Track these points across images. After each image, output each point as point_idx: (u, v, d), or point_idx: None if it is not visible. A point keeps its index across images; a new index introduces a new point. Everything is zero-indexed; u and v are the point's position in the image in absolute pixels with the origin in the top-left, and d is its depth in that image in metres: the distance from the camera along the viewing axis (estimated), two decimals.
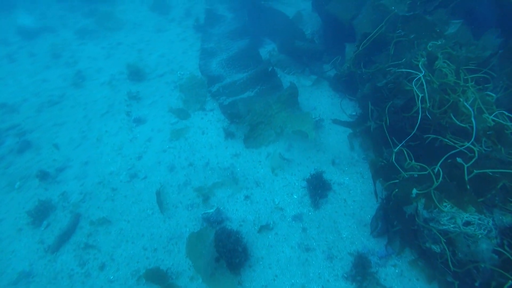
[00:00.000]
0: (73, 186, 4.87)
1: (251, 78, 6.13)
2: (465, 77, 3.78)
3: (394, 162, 3.69)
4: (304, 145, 4.93)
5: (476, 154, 3.22)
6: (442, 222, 3.16)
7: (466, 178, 3.12)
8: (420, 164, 3.47)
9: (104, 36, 8.81)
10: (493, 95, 3.64)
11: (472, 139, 3.34)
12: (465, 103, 3.47)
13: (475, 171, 3.09)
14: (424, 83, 3.60)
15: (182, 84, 6.54)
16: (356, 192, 4.27)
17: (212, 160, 4.99)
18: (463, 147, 3.37)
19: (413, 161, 3.73)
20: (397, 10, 4.37)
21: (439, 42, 4.20)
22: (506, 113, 3.52)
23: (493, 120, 3.48)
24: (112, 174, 5.04)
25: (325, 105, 5.60)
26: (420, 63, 3.82)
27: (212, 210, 4.23)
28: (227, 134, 5.30)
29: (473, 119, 3.37)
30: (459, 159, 3.23)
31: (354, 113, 5.32)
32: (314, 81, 6.14)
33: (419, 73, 3.70)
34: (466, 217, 3.05)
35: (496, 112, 3.55)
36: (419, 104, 3.59)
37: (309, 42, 6.64)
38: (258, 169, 4.77)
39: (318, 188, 4.24)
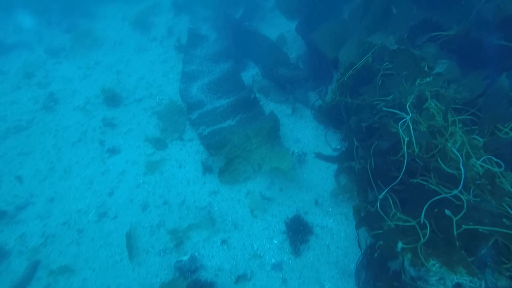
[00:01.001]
0: (34, 227, 4.47)
1: (232, 105, 5.88)
2: (453, 118, 3.62)
3: (379, 209, 3.46)
4: (287, 182, 4.67)
5: (465, 205, 3.02)
6: (430, 282, 2.93)
7: (455, 233, 2.91)
8: (406, 217, 3.25)
9: (81, 54, 8.44)
10: (480, 139, 3.48)
11: (460, 187, 3.15)
12: (453, 149, 3.29)
13: (463, 226, 2.89)
14: (411, 126, 3.41)
15: (160, 110, 6.23)
16: (340, 237, 4.02)
17: (189, 198, 4.67)
18: (450, 195, 3.18)
19: (398, 207, 3.52)
20: (383, 43, 4.22)
21: (427, 79, 4.05)
22: (494, 159, 3.35)
23: (481, 166, 3.31)
24: (80, 213, 4.65)
25: (309, 137, 5.38)
26: (408, 103, 3.64)
27: (186, 258, 3.90)
28: (206, 168, 5.00)
29: (461, 166, 3.19)
30: (447, 212, 3.03)
31: (339, 147, 5.11)
32: (298, 110, 5.93)
33: (405, 116, 3.51)
34: (457, 279, 2.83)
35: (484, 157, 3.38)
36: (405, 149, 3.39)
37: (292, 69, 6.45)
38: (237, 209, 4.47)
39: (298, 233, 3.98)
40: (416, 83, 4.06)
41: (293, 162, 4.52)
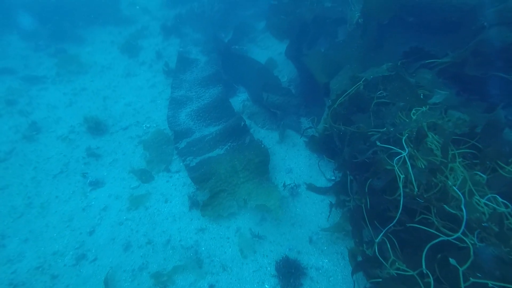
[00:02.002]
0: (2, 274, 4.10)
1: (221, 133, 5.65)
2: (452, 152, 3.41)
3: (377, 254, 3.19)
4: (280, 216, 4.39)
5: (471, 252, 2.77)
6: None
7: (463, 287, 2.65)
8: (406, 268, 2.98)
9: (68, 80, 8.22)
10: (483, 175, 3.26)
11: (462, 229, 2.90)
12: (455, 188, 3.06)
13: (471, 279, 2.63)
14: (408, 164, 3.19)
15: (147, 139, 5.98)
16: (337, 279, 3.73)
17: (175, 237, 4.37)
18: (452, 238, 2.93)
19: (398, 249, 3.26)
20: (376, 74, 4.05)
21: (423, 109, 3.87)
22: (499, 198, 3.13)
23: (486, 205, 3.09)
24: (56, 255, 4.31)
25: (302, 167, 5.15)
26: (404, 138, 3.43)
27: None
28: (193, 203, 4.72)
29: (463, 207, 2.96)
30: (452, 261, 2.77)
31: (333, 177, 4.87)
32: (290, 137, 5.72)
33: (401, 152, 3.30)
34: None
35: (489, 196, 3.16)
36: (401, 187, 3.16)
37: (284, 94, 6.27)
38: (225, 249, 4.17)
39: (291, 276, 3.68)
40: (412, 113, 3.87)
41: (280, 200, 4.26)
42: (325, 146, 4.95)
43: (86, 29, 10.89)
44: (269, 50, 8.38)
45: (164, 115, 6.60)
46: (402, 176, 3.18)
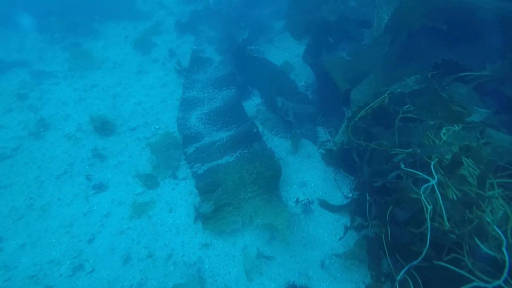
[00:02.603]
0: None
1: (232, 140, 5.35)
2: (490, 181, 3.01)
3: None
4: (289, 237, 4.07)
5: None
6: None
7: None
8: None
9: (79, 75, 8.07)
10: None
11: (504, 276, 2.51)
12: (494, 226, 2.67)
13: None
14: (438, 195, 2.80)
15: (154, 142, 5.73)
16: None
17: (177, 251, 4.10)
18: (492, 286, 2.55)
19: None
20: (403, 89, 3.66)
21: (456, 128, 3.47)
22: None
23: None
24: (53, 263, 4.11)
25: (317, 181, 4.80)
26: (433, 163, 3.05)
27: None
28: (198, 214, 4.44)
29: (504, 250, 2.57)
30: None
31: (350, 195, 4.50)
32: (305, 148, 5.37)
33: (430, 179, 2.92)
34: None
35: None
36: (428, 220, 2.79)
37: (299, 101, 5.92)
38: (230, 268, 3.88)
39: None
40: (442, 133, 3.47)
41: (288, 220, 3.93)
42: (342, 160, 4.58)
43: (102, 23, 10.77)
44: (286, 52, 8.02)
45: (174, 116, 6.36)
46: (430, 208, 2.80)
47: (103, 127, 5.99)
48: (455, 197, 2.84)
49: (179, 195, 4.83)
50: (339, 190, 4.63)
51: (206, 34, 9.23)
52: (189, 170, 5.15)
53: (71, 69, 8.33)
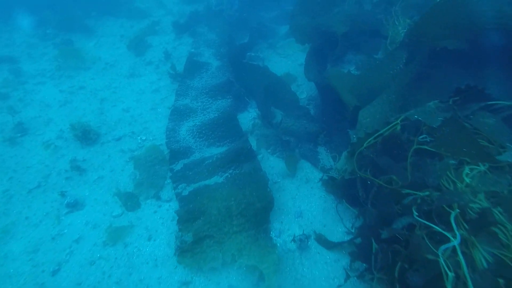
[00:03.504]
0: None
1: (223, 158, 4.84)
2: None
3: None
4: (280, 278, 3.55)
5: None
6: None
7: None
8: None
9: (68, 75, 7.57)
10: None
11: None
12: None
13: None
14: (462, 261, 2.28)
15: (139, 156, 5.22)
16: None
17: None
18: None
19: None
20: (425, 121, 3.14)
21: (481, 168, 2.94)
22: None
23: None
24: None
25: (316, 211, 4.28)
26: (454, 214, 2.52)
27: None
28: (179, 245, 3.91)
29: None
30: None
31: (352, 230, 3.98)
32: (304, 170, 4.85)
33: (452, 238, 2.39)
34: None
35: None
36: None
37: (299, 116, 5.39)
38: None
39: None
40: (464, 173, 2.94)
41: (276, 264, 3.42)
42: (345, 190, 4.06)
43: (99, 20, 10.26)
44: (289, 59, 7.50)
45: (163, 126, 5.85)
46: (451, 275, 2.28)
47: (85, 136, 5.48)
48: (484, 263, 2.31)
49: (161, 220, 4.32)
50: (340, 223, 4.11)
51: (205, 37, 8.70)
52: (174, 191, 4.63)
53: (59, 68, 7.83)
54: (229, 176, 4.62)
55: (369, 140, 3.52)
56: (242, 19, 8.90)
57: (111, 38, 9.24)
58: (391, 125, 3.39)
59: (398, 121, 3.35)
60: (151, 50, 8.37)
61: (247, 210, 3.84)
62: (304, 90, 6.38)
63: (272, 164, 5.01)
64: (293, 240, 3.82)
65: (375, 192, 3.29)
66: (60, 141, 5.72)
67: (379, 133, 3.43)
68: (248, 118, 5.95)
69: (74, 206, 4.58)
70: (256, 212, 3.85)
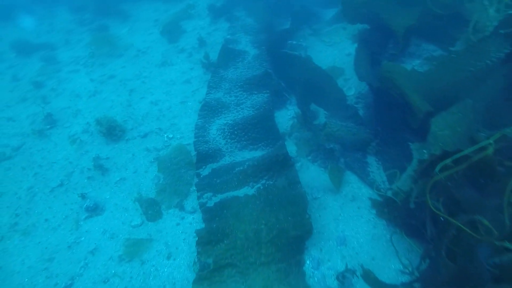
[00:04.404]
0: None
1: (255, 165, 4.21)
2: None
3: None
4: None
5: None
6: None
7: None
8: None
9: (100, 63, 7.31)
10: None
11: None
12: None
13: None
14: None
15: (164, 157, 4.77)
16: None
17: None
18: None
19: None
20: None
21: None
22: None
23: None
24: None
25: (363, 237, 3.55)
26: None
27: None
28: (203, 267, 3.40)
29: None
30: None
31: (409, 269, 3.21)
32: (349, 184, 4.10)
33: None
34: None
35: None
36: None
37: (346, 117, 4.59)
38: None
39: None
40: None
41: None
42: (405, 218, 3.27)
43: (134, 3, 9.93)
44: (335, 48, 6.60)
45: (192, 123, 5.34)
46: None
47: (110, 132, 5.12)
48: None
49: (183, 235, 3.84)
50: (394, 257, 3.34)
51: (242, 22, 7.98)
52: (200, 199, 4.11)
53: (93, 55, 7.59)
54: (261, 187, 4.00)
55: (446, 161, 2.68)
56: (283, 2, 8.03)
57: (145, 23, 8.86)
58: (479, 145, 2.53)
59: (491, 141, 2.48)
60: (184, 36, 7.84)
61: (279, 238, 3.21)
62: (352, 85, 5.50)
63: (312, 174, 4.30)
64: (337, 278, 3.13)
65: (453, 236, 2.48)
66: (86, 135, 5.43)
67: (462, 153, 2.58)
68: (286, 117, 5.25)
69: (94, 210, 4.24)
70: (289, 242, 3.20)
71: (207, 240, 3.37)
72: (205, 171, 4.49)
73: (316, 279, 3.25)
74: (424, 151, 2.98)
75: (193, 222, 3.97)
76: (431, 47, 4.24)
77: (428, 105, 3.20)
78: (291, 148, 4.69)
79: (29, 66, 7.78)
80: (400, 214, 3.28)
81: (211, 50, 7.10)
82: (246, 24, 7.87)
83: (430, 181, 2.61)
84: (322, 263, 3.38)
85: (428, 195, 2.66)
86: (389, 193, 3.54)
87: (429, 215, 2.85)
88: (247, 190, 4.03)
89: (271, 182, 4.04)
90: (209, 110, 5.48)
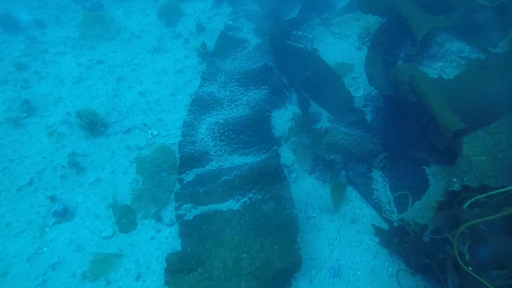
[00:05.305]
0: None
1: (242, 176, 3.70)
2: None
3: None
4: None
5: None
6: None
7: None
8: None
9: (89, 46, 6.75)
10: None
11: None
12: None
13: None
14: None
15: (145, 157, 4.28)
16: None
17: None
18: None
19: None
20: None
21: None
22: None
23: None
24: None
25: (361, 268, 3.06)
26: None
27: None
28: None
29: None
30: None
31: None
32: (350, 202, 3.58)
33: None
34: None
35: None
36: None
37: (351, 123, 4.03)
38: None
39: None
40: None
41: None
42: (416, 253, 2.76)
43: None
44: (345, 41, 5.96)
45: (180, 119, 4.84)
46: None
47: (91, 127, 4.63)
48: None
49: (157, 252, 3.38)
50: None
51: (247, 7, 7.31)
52: (177, 211, 3.64)
53: (83, 36, 7.03)
54: (247, 202, 3.50)
55: (479, 196, 2.14)
56: None
57: (143, 3, 8.21)
58: None
59: None
60: (183, 19, 7.21)
61: (262, 271, 2.73)
62: (361, 85, 4.91)
63: (308, 188, 3.79)
64: None
65: None
66: (65, 127, 4.95)
67: (506, 189, 2.03)
68: (285, 117, 4.70)
69: (63, 215, 3.80)
70: (274, 276, 2.73)
71: (178, 267, 2.90)
72: (189, 176, 4.01)
73: None
74: (455, 180, 2.42)
75: (170, 236, 3.51)
76: (457, 47, 3.61)
77: (460, 121, 2.63)
78: (287, 154, 4.17)
79: (14, 44, 7.24)
80: (411, 248, 2.76)
81: (210, 37, 6.51)
82: (250, 9, 7.21)
83: (462, 227, 2.07)
84: None
85: (455, 242, 2.13)
86: (394, 217, 3.02)
87: (451, 261, 2.33)
88: (231, 204, 3.55)
89: (259, 197, 3.54)
90: (200, 105, 4.94)
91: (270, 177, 3.56)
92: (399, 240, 2.84)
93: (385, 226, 3.32)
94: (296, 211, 3.18)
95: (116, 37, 6.93)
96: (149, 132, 4.68)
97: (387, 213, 3.26)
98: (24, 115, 5.19)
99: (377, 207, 3.47)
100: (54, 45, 6.99)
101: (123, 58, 6.26)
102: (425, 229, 2.54)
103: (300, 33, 5.67)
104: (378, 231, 3.19)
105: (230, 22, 6.83)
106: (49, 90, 5.72)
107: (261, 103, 4.73)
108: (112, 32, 7.03)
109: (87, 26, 7.03)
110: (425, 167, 2.85)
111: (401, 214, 3.28)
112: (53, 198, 3.96)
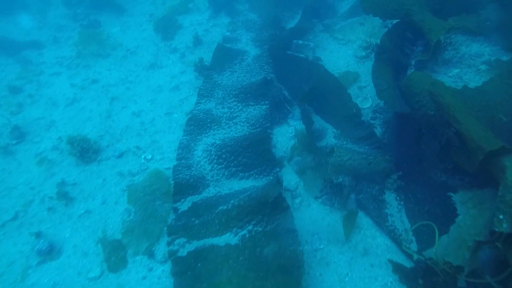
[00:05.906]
0: None
1: (241, 206, 3.35)
2: None
3: None
4: None
5: None
6: None
7: None
8: None
9: (85, 65, 6.54)
10: None
11: None
12: None
13: None
14: None
15: (137, 185, 3.97)
16: None
17: None
18: None
19: None
20: None
21: None
22: None
23: None
24: None
25: None
26: None
27: None
28: None
29: None
30: None
31: None
32: (362, 230, 3.18)
33: None
34: None
35: None
36: None
37: (359, 139, 3.64)
38: None
39: None
40: None
41: None
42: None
43: None
44: (350, 47, 5.58)
45: (175, 140, 4.54)
46: None
47: (82, 154, 4.36)
48: None
49: None
50: None
51: (245, 17, 7.05)
52: (170, 246, 3.29)
53: (79, 55, 6.84)
54: (246, 236, 3.14)
55: None
56: None
57: (139, 19, 8.02)
58: None
59: None
60: (180, 32, 6.97)
61: None
62: (369, 95, 4.51)
63: (314, 215, 3.40)
64: None
65: None
66: (55, 153, 4.69)
67: None
68: (286, 134, 4.34)
69: (48, 253, 3.50)
70: None
71: None
72: (184, 205, 3.68)
73: None
74: (501, 217, 2.01)
75: (163, 276, 3.16)
76: (475, 50, 3.21)
77: (495, 139, 2.21)
78: (290, 177, 3.80)
79: (10, 67, 7.10)
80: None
81: (207, 50, 6.24)
82: (249, 19, 6.94)
83: (509, 269, 1.66)
84: None
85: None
86: (414, 247, 2.60)
87: None
88: (229, 238, 3.19)
89: (259, 229, 3.18)
90: (196, 124, 4.63)
91: (271, 207, 3.19)
92: (426, 283, 2.42)
93: (402, 258, 2.90)
94: (301, 248, 2.79)
95: (111, 54, 6.72)
96: (143, 156, 4.37)
97: (406, 244, 2.84)
98: (14, 141, 4.96)
99: (392, 235, 3.06)
100: (49, 66, 6.82)
101: (117, 76, 6.03)
102: (460, 272, 2.12)
103: (300, 41, 5.32)
104: (396, 268, 2.77)
105: (228, 33, 6.55)
106: (41, 113, 5.51)
107: (261, 120, 4.39)
108: (108, 49, 6.83)
109: (84, 44, 6.86)
110: (451, 194, 2.44)
111: (420, 243, 2.86)
112: (38, 235, 3.68)
